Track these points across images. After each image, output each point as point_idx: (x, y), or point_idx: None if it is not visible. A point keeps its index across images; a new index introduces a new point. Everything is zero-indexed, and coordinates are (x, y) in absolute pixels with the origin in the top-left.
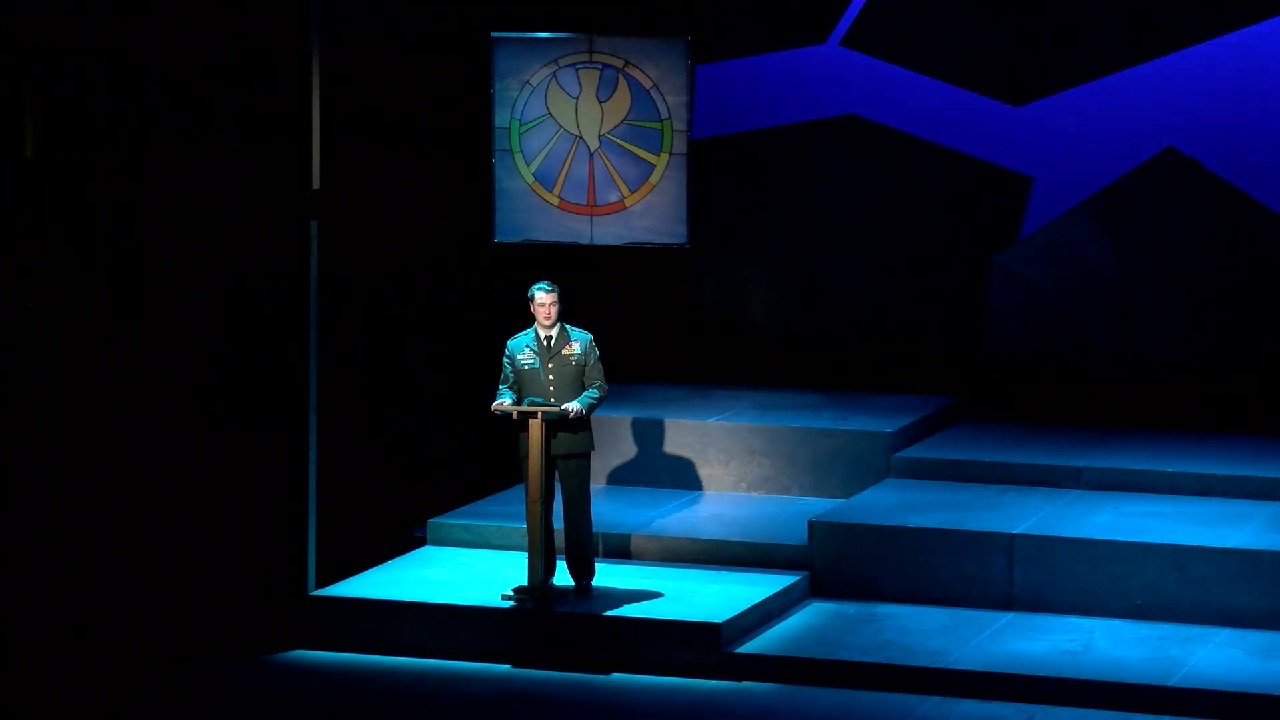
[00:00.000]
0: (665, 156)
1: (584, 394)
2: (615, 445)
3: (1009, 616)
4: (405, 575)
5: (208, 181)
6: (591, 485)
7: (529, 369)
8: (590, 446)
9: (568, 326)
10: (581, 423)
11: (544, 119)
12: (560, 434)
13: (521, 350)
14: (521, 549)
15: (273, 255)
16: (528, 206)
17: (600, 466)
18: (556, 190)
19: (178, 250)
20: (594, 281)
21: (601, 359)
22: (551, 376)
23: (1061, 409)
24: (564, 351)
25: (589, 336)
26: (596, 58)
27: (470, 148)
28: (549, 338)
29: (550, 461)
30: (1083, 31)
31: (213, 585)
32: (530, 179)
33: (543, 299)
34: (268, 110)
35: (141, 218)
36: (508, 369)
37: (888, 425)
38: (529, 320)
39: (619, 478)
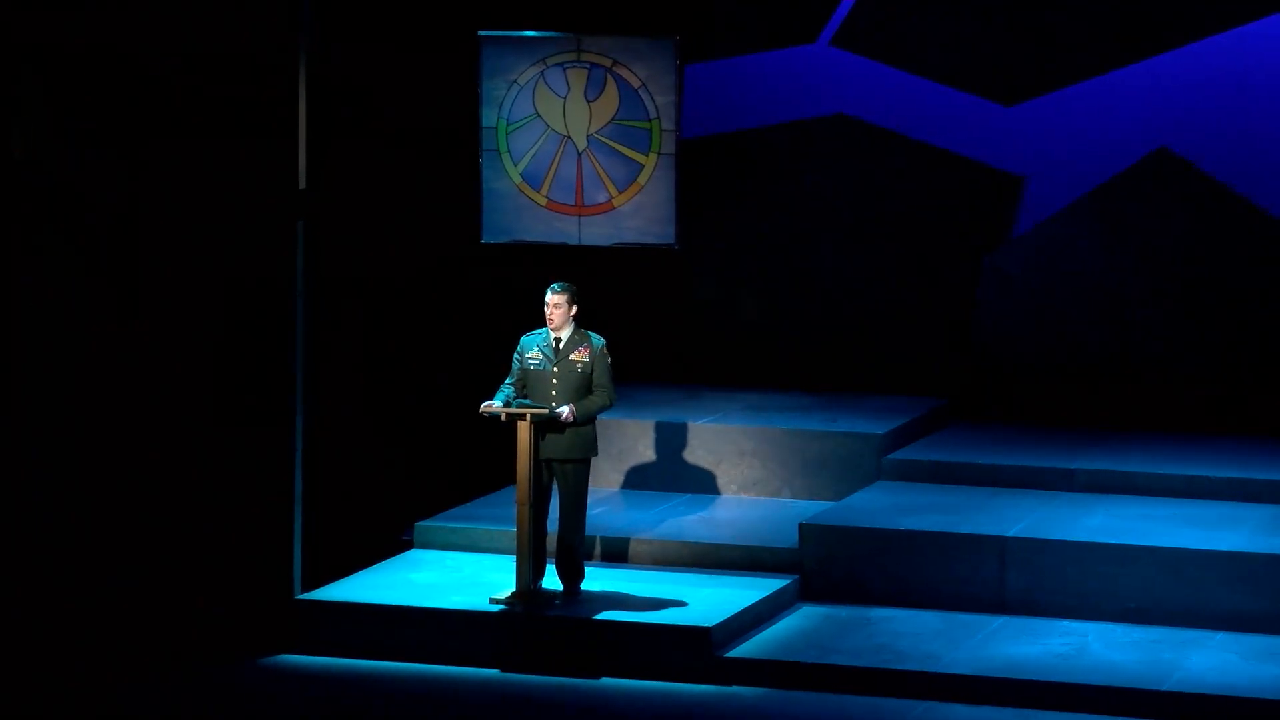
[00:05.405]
0: (654, 156)
1: (585, 399)
2: (604, 447)
3: (1001, 620)
4: (392, 578)
5: (201, 181)
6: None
7: (535, 369)
8: (590, 452)
9: (589, 332)
10: (582, 427)
11: (531, 119)
12: (559, 437)
13: (531, 349)
14: (510, 552)
15: (265, 256)
16: (515, 207)
17: (591, 468)
18: (544, 190)
19: (170, 251)
20: (582, 282)
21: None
22: (556, 380)
23: (1054, 410)
24: (573, 356)
25: (602, 342)
26: (584, 57)
27: (457, 147)
28: (558, 340)
29: (546, 465)
30: (1075, 30)
31: (198, 588)
32: (517, 179)
33: (548, 299)
34: (261, 110)
35: (137, 217)
36: (515, 365)
37: (879, 427)
38: (534, 321)
39: (608, 480)
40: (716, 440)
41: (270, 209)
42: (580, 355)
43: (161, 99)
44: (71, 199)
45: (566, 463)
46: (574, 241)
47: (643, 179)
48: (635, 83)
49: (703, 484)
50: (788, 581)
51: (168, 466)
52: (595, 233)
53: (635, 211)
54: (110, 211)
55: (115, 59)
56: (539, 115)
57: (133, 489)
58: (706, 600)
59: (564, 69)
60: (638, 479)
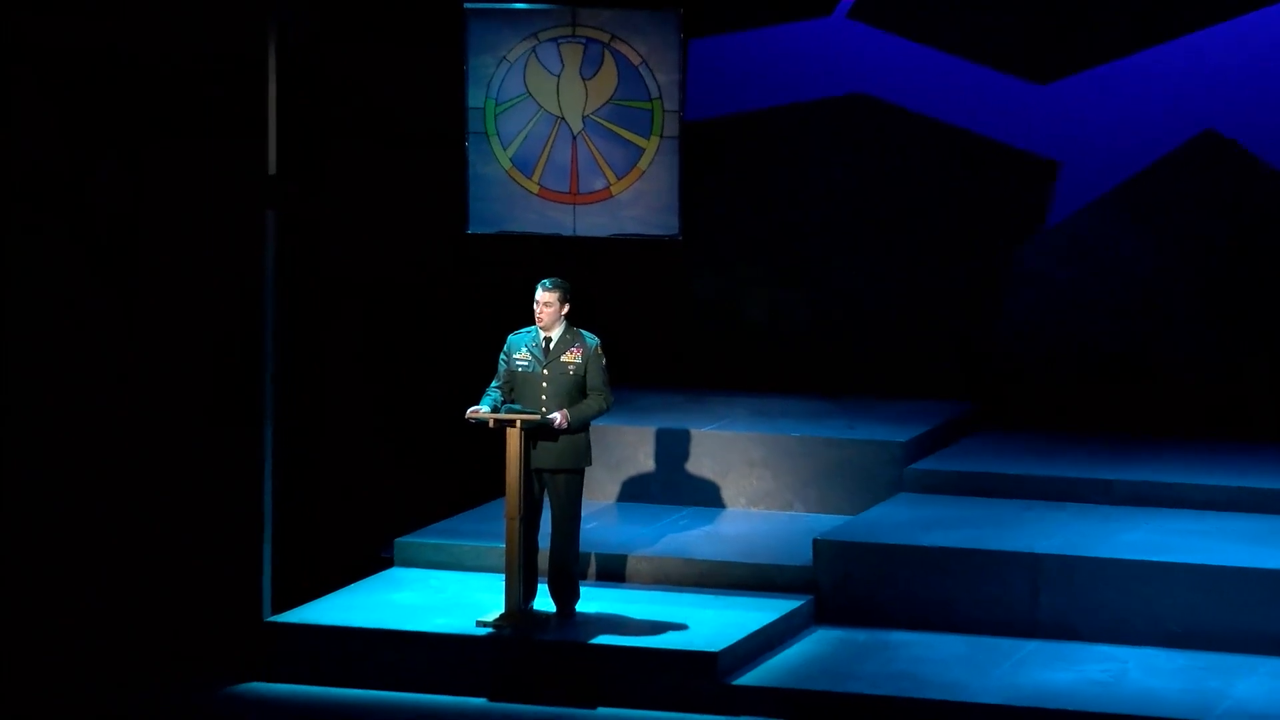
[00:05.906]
0: (655, 140)
1: (579, 404)
2: (602, 456)
3: (1033, 645)
4: (371, 599)
5: (186, 179)
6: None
7: (524, 371)
8: (584, 462)
9: (583, 331)
10: (575, 435)
11: (522, 98)
12: (551, 446)
13: (520, 349)
14: (499, 570)
15: (247, 255)
16: (504, 194)
17: (585, 479)
18: (536, 177)
19: (156, 251)
20: (577, 277)
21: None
22: (546, 384)
23: (1089, 416)
24: (564, 358)
25: (596, 342)
26: (580, 31)
27: (441, 130)
28: (549, 339)
29: (537, 476)
30: (1114, 3)
31: (162, 611)
32: (507, 164)
33: (538, 296)
34: (242, 106)
35: (131, 217)
36: (502, 366)
37: (899, 434)
38: (523, 319)
39: (606, 492)
40: (722, 448)
41: (246, 203)
42: (572, 356)
43: (151, 97)
44: (67, 198)
45: (559, 473)
46: (568, 232)
47: (643, 164)
48: (635, 59)
49: (707, 496)
50: (801, 603)
51: (129, 476)
52: (591, 223)
53: (635, 200)
54: (103, 210)
55: (109, 58)
56: (530, 95)
57: (94, 500)
58: (712, 623)
59: (558, 44)
60: (636, 490)
